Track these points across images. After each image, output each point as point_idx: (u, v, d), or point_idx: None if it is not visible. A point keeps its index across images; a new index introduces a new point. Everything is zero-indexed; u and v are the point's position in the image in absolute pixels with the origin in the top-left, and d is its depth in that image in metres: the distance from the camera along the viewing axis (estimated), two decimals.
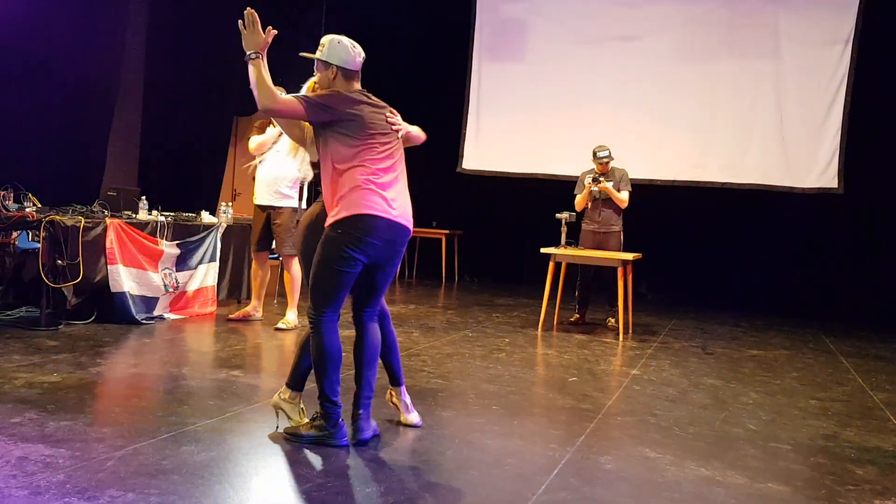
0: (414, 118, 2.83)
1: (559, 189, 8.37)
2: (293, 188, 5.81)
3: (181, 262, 5.97)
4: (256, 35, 3.08)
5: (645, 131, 9.03)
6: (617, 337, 6.33)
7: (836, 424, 4.06)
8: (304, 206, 5.87)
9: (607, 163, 6.70)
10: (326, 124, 3.19)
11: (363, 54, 3.33)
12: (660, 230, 8.97)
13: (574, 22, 9.55)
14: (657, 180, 8.96)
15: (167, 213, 6.16)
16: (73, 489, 2.51)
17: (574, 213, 6.71)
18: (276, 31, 3.13)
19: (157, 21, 9.83)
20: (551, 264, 6.48)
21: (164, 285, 5.77)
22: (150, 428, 3.21)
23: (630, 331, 6.51)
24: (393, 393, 3.58)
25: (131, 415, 3.39)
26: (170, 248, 5.85)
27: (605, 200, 6.74)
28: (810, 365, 5.74)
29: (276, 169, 5.74)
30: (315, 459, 3.01)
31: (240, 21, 3.10)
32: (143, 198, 6.11)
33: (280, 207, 5.78)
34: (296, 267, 5.82)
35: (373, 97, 3.33)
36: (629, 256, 6.36)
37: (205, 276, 6.19)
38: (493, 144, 9.90)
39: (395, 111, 3.39)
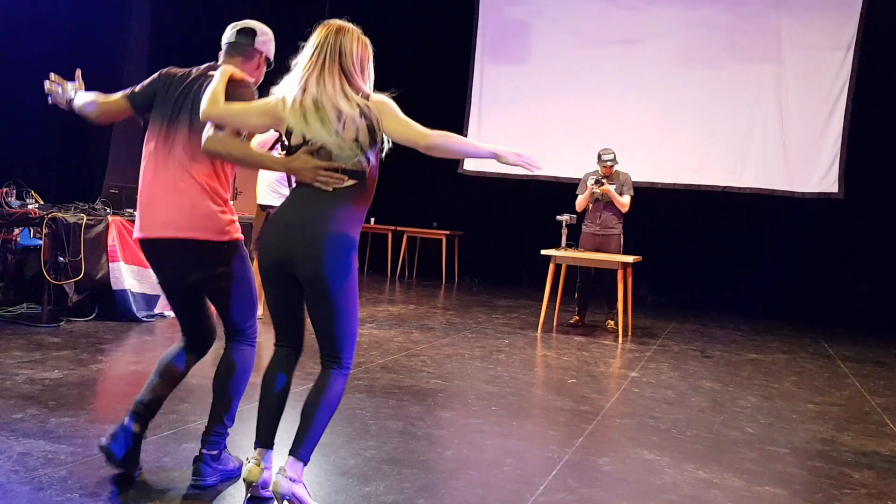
0: (415, 118, 2.82)
1: (560, 191, 8.40)
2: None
3: None
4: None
5: (646, 134, 9.05)
6: (616, 339, 6.34)
7: (834, 428, 4.08)
8: None
9: (611, 166, 6.72)
10: None
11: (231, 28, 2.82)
12: (660, 233, 8.98)
13: (576, 24, 9.58)
14: (658, 183, 8.98)
15: None
16: (74, 485, 2.52)
17: (574, 216, 6.73)
18: None
19: (161, 18, 9.86)
20: (551, 266, 6.49)
21: None
22: (151, 425, 3.20)
23: (629, 333, 6.53)
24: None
25: None
26: None
27: (607, 203, 6.76)
28: (808, 369, 5.76)
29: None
30: (316, 458, 3.02)
31: None
32: None
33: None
34: None
35: (205, 68, 2.77)
36: (629, 259, 6.37)
37: None
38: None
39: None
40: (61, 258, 5.15)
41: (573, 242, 6.77)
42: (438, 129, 2.52)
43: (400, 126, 2.48)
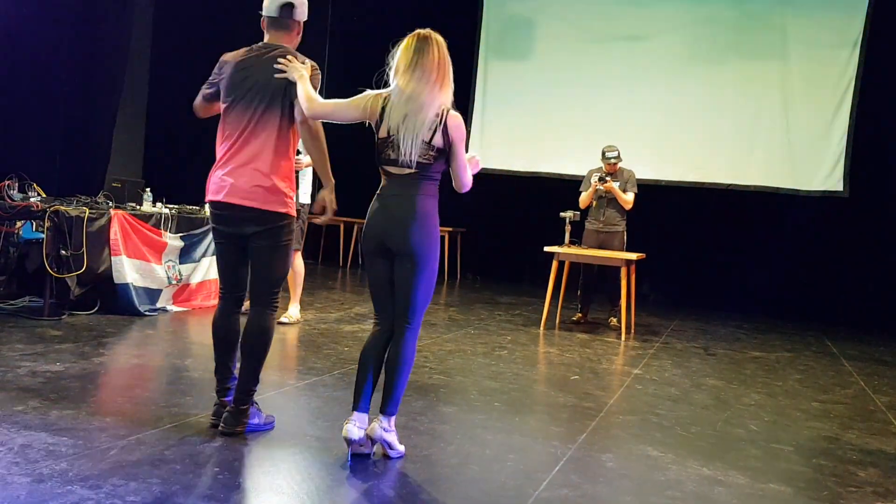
0: None
1: (563, 188, 8.37)
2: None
3: (185, 255, 5.97)
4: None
5: (650, 131, 9.02)
6: (619, 336, 6.33)
7: (838, 427, 4.06)
8: (302, 200, 5.79)
9: (615, 163, 6.69)
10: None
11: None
12: (663, 230, 8.96)
13: (581, 21, 9.54)
14: (662, 180, 8.96)
15: (171, 206, 6.17)
16: (75, 477, 2.51)
17: (578, 213, 6.71)
18: None
19: (164, 14, 9.85)
20: (554, 263, 6.47)
21: (168, 277, 5.77)
22: (153, 418, 3.21)
23: (632, 330, 6.51)
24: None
25: (134, 405, 3.40)
26: (173, 241, 5.85)
27: (610, 200, 6.74)
28: (812, 367, 5.74)
29: None
30: (317, 452, 3.01)
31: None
32: (148, 189, 6.11)
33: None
34: (298, 261, 5.82)
35: (261, 49, 3.15)
36: (633, 256, 6.35)
37: (208, 269, 6.18)
38: (497, 142, 9.89)
39: (291, 58, 3.10)
40: (63, 251, 5.13)
41: (576, 239, 6.75)
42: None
43: (458, 161, 2.95)
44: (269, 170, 3.07)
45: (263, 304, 3.19)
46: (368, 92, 2.99)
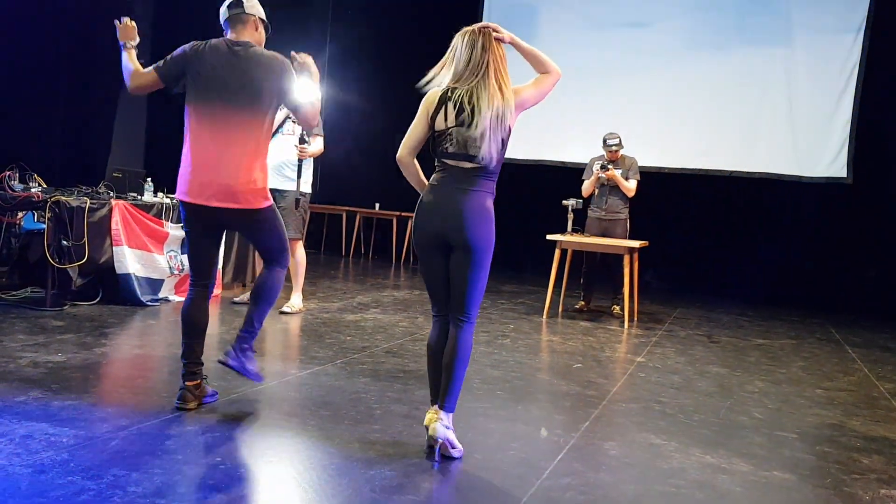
0: (420, 101, 2.84)
1: (566, 176, 8.34)
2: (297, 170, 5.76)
3: (186, 245, 5.95)
4: (130, 31, 3.43)
5: (653, 118, 8.97)
6: (622, 324, 6.31)
7: (842, 414, 4.05)
8: (303, 189, 5.77)
9: (617, 151, 6.66)
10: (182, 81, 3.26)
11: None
12: (666, 218, 8.93)
13: (583, 7, 9.48)
14: (665, 167, 8.92)
15: (173, 196, 6.14)
16: (76, 468, 2.51)
17: (580, 201, 6.68)
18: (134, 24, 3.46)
19: (164, 3, 9.80)
20: (557, 251, 6.45)
21: (170, 267, 5.76)
22: (155, 408, 3.21)
23: (635, 318, 6.49)
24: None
25: (136, 395, 3.40)
26: (175, 231, 5.84)
27: (613, 188, 6.71)
28: (816, 354, 5.72)
29: (282, 152, 5.71)
30: (319, 441, 3.00)
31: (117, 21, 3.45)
32: (149, 179, 6.10)
33: (285, 191, 5.75)
34: (300, 250, 5.80)
35: (240, 45, 3.21)
36: (636, 244, 6.33)
37: None
38: None
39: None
40: (65, 242, 5.13)
41: (579, 227, 6.73)
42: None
43: (533, 92, 2.98)
44: (244, 168, 3.19)
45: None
46: (422, 105, 2.92)
